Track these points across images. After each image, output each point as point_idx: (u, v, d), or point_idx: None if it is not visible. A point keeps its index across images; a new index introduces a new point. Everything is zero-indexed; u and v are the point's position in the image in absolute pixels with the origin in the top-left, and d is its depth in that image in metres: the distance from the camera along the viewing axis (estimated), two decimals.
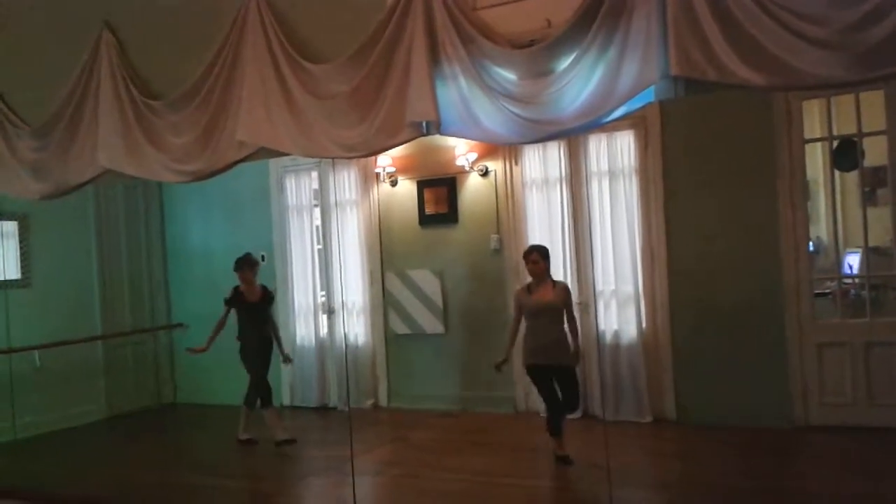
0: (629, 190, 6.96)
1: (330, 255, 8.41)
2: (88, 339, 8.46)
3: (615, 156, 6.99)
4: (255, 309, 6.95)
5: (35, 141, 5.19)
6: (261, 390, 6.89)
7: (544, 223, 7.36)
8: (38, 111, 5.18)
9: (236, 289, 6.96)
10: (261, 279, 7.15)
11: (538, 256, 5.86)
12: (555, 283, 5.91)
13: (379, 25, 3.95)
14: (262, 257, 8.73)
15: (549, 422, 5.84)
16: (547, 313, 5.80)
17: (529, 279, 5.94)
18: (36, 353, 7.80)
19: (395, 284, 8.08)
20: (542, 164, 7.36)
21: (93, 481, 6.31)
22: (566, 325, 5.82)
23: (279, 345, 7.13)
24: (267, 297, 7.08)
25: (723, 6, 3.20)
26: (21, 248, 8.08)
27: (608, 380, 6.98)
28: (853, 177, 7.10)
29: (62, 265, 8.41)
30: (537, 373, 5.82)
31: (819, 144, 6.83)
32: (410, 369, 8.09)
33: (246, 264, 6.98)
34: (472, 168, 7.61)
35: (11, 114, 5.36)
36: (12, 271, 7.94)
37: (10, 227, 8.01)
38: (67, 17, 5.13)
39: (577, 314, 6.00)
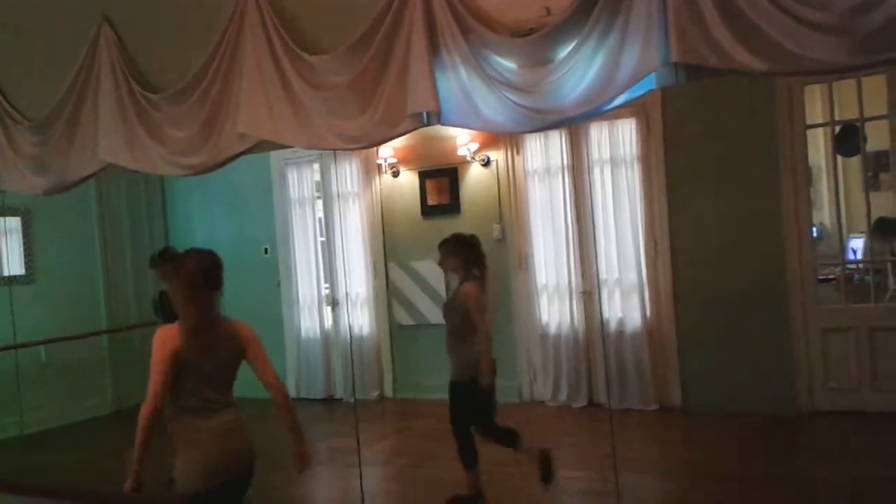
0: (631, 178, 6.96)
1: (333, 246, 8.42)
2: (94, 334, 8.48)
3: (617, 144, 6.98)
4: None
5: (36, 136, 5.17)
6: None
7: (546, 212, 7.37)
8: (39, 106, 5.17)
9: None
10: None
11: (445, 250, 4.90)
12: (463, 282, 4.86)
13: (377, 15, 3.93)
14: (266, 250, 8.76)
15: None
16: (448, 320, 4.92)
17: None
18: (42, 349, 7.82)
19: (398, 275, 8.09)
20: (544, 153, 7.35)
21: (100, 476, 6.33)
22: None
23: None
24: None
25: None
26: (25, 243, 8.10)
27: (613, 368, 6.99)
28: (856, 162, 7.09)
29: (66, 260, 8.43)
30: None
31: (821, 130, 6.81)
32: (415, 359, 8.10)
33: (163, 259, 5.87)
34: (473, 158, 7.60)
35: (12, 109, 5.35)
36: (16, 267, 7.97)
37: (14, 222, 8.02)
38: (66, 12, 5.12)
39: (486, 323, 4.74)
